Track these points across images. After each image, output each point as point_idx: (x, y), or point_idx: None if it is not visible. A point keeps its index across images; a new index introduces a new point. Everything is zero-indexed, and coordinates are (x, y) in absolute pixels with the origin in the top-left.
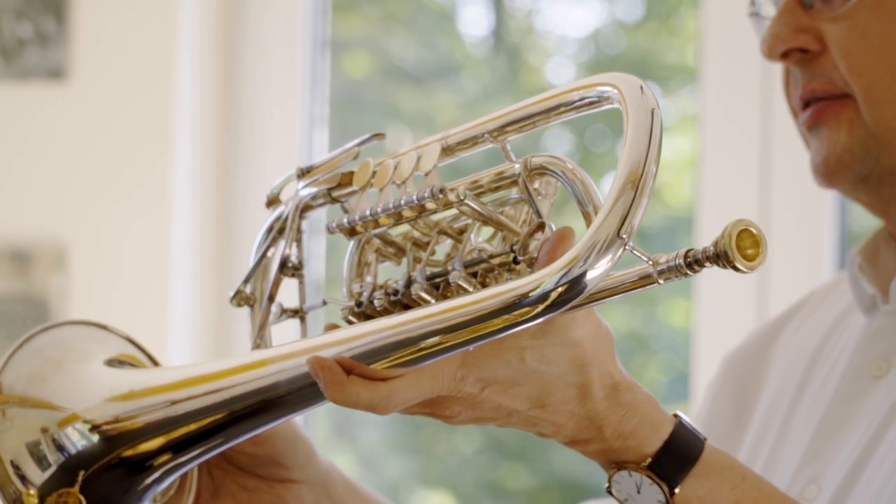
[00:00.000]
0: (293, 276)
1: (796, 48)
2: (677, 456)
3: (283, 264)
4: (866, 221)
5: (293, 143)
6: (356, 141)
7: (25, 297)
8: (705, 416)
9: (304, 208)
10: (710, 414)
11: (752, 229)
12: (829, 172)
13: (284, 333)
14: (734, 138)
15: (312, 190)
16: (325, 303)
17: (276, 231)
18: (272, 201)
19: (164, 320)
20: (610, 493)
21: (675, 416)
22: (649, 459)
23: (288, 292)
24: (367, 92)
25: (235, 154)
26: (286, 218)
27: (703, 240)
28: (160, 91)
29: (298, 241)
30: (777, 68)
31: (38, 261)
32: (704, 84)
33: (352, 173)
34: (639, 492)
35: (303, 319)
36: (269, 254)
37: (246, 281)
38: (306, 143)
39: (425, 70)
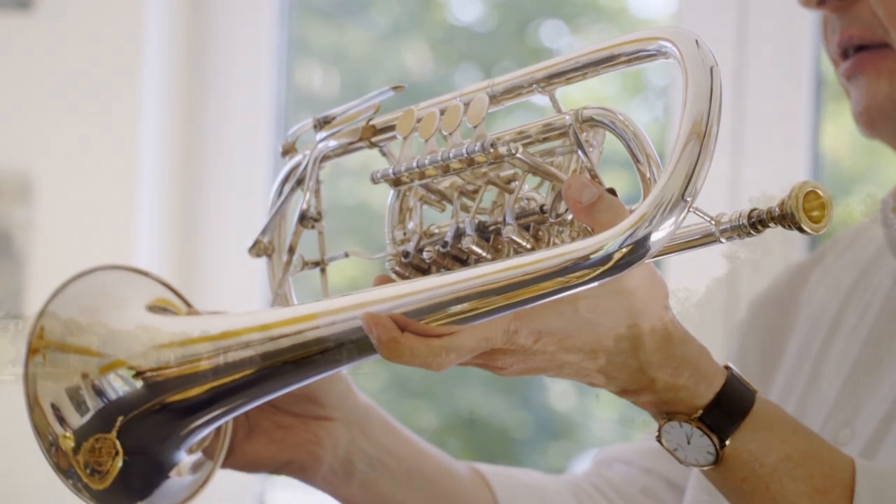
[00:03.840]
0: (312, 227)
1: None
2: (728, 408)
3: (303, 216)
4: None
5: (261, 71)
6: (375, 93)
7: None
8: (733, 360)
9: (322, 158)
10: (737, 357)
11: (818, 191)
12: (871, 121)
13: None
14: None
15: (332, 143)
16: (347, 255)
17: (295, 181)
18: (287, 150)
19: (130, 254)
20: (659, 441)
21: (727, 367)
22: (700, 411)
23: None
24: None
25: (204, 83)
26: (305, 168)
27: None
28: (127, 21)
29: (317, 192)
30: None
31: (3, 192)
32: None
33: (372, 127)
34: (689, 443)
35: (324, 271)
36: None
37: (264, 231)
38: (274, 73)
39: (335, 5)
